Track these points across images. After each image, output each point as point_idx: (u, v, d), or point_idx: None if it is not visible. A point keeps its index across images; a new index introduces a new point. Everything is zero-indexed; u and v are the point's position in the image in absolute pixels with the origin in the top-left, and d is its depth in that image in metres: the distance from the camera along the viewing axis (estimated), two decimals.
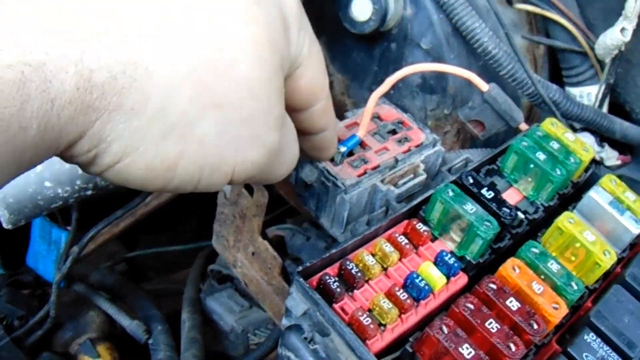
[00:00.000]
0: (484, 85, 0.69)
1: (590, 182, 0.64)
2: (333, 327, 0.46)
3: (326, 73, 0.54)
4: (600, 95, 0.81)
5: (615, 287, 0.54)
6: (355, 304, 0.49)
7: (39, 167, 0.71)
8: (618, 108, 0.84)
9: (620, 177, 0.62)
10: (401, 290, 0.49)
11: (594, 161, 0.66)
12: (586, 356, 0.48)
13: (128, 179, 0.41)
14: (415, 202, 0.57)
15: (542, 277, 0.51)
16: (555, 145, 0.61)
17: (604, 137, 0.83)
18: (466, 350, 0.44)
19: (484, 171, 0.62)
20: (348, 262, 0.50)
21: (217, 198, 0.77)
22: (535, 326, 0.47)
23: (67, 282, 0.96)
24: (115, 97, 0.36)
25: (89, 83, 0.34)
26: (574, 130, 0.81)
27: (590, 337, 0.50)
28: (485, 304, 0.48)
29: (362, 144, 0.65)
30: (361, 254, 0.51)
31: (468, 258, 0.54)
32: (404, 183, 0.64)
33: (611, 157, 0.84)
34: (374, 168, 0.63)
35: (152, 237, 1.30)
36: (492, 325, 0.46)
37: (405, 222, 0.56)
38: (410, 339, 0.48)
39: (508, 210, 0.55)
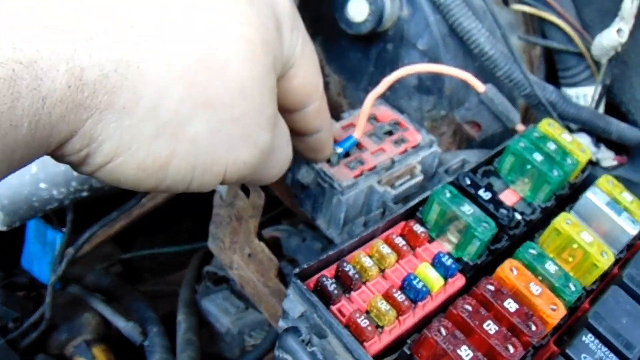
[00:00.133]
0: (480, 86, 0.69)
1: (587, 183, 0.64)
2: (330, 329, 0.46)
3: (320, 73, 0.54)
4: (596, 96, 0.81)
5: (613, 288, 0.54)
6: (353, 306, 0.48)
7: (34, 168, 0.71)
8: (614, 109, 0.84)
9: (616, 177, 0.62)
10: (399, 292, 0.49)
11: (590, 162, 0.66)
12: (584, 357, 0.48)
13: (120, 179, 0.41)
14: (412, 203, 0.57)
15: (540, 278, 0.51)
16: (552, 146, 0.61)
17: (600, 137, 0.83)
18: (464, 352, 0.44)
19: (481, 172, 0.62)
20: (345, 264, 0.50)
21: (212, 199, 0.77)
22: (533, 327, 0.47)
23: (62, 283, 0.96)
24: (106, 95, 0.36)
25: (80, 81, 0.34)
26: (570, 131, 0.81)
27: (588, 338, 0.50)
28: (483, 306, 0.48)
29: (358, 145, 0.65)
30: (358, 255, 0.51)
31: (465, 259, 0.54)
32: (401, 184, 0.64)
33: (607, 157, 0.84)
34: (371, 169, 0.63)
35: (148, 239, 1.29)
36: (490, 326, 0.46)
37: (403, 223, 0.56)
38: (408, 341, 0.47)
39: (505, 212, 0.55)
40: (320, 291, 0.48)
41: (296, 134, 0.56)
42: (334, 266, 0.51)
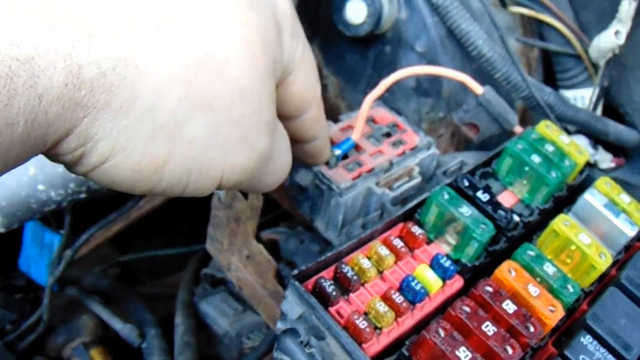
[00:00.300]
0: (478, 88, 0.69)
1: (585, 184, 0.64)
2: (329, 331, 0.46)
3: (318, 80, 0.54)
4: (594, 98, 0.81)
5: (611, 289, 0.54)
6: (351, 308, 0.48)
7: (32, 170, 0.71)
8: (612, 111, 0.85)
9: (614, 179, 0.62)
10: (397, 294, 0.49)
11: (588, 164, 0.66)
12: (583, 358, 0.48)
13: (114, 180, 0.40)
14: (410, 205, 0.57)
15: (538, 279, 0.51)
16: (550, 148, 0.61)
17: (598, 139, 0.83)
18: (463, 353, 0.44)
19: (479, 174, 0.62)
20: (343, 266, 0.50)
21: (210, 201, 0.77)
22: (532, 329, 0.47)
23: (60, 285, 0.96)
24: (104, 94, 0.35)
25: (77, 79, 0.34)
26: (568, 133, 0.81)
27: (586, 339, 0.50)
28: (482, 307, 0.48)
29: (356, 147, 0.65)
30: (357, 257, 0.51)
31: (464, 261, 0.54)
32: (399, 186, 0.64)
33: (605, 159, 0.84)
34: (369, 171, 0.63)
35: (146, 241, 1.29)
36: (489, 328, 0.46)
37: (401, 225, 0.56)
38: (407, 343, 0.47)
39: (503, 213, 0.55)
40: (318, 293, 0.48)
41: (293, 141, 0.55)
42: (332, 268, 0.51)
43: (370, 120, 0.70)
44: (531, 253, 0.53)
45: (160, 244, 1.26)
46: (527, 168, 0.59)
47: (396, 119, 0.70)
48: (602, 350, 0.49)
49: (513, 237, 0.57)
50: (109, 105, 0.36)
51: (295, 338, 0.48)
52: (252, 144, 0.44)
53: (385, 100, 0.76)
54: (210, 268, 0.99)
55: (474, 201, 0.55)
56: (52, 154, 0.38)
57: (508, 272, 0.51)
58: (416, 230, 0.54)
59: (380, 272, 0.52)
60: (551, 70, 0.86)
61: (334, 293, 0.48)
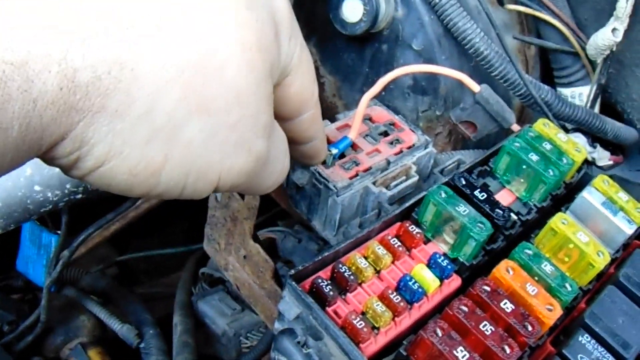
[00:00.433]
0: (475, 86, 0.69)
1: (582, 182, 0.64)
2: (326, 331, 0.46)
3: (316, 81, 0.54)
4: (591, 96, 0.81)
5: (609, 287, 0.54)
6: (349, 307, 0.48)
7: (28, 171, 0.70)
8: (609, 108, 0.85)
9: (612, 177, 0.62)
10: (394, 293, 0.49)
11: (586, 162, 0.66)
12: (581, 357, 0.48)
13: (111, 184, 0.40)
14: (407, 204, 0.56)
15: (536, 278, 0.51)
16: (548, 146, 0.61)
17: (595, 137, 0.83)
18: (460, 352, 0.44)
19: (477, 172, 0.61)
20: (341, 265, 0.50)
21: (208, 201, 0.77)
22: (530, 328, 0.47)
23: (57, 286, 0.96)
24: (99, 98, 0.35)
25: (72, 83, 0.33)
26: (566, 130, 0.81)
27: (584, 338, 0.50)
28: (479, 306, 0.48)
29: (353, 146, 0.65)
30: (354, 256, 0.51)
31: (461, 260, 0.54)
32: (396, 185, 0.64)
33: (603, 157, 0.84)
34: (366, 170, 0.62)
35: (143, 241, 1.29)
36: (487, 327, 0.46)
37: (398, 224, 0.56)
38: (404, 342, 0.47)
39: (501, 212, 0.55)
40: (315, 293, 0.48)
41: (291, 142, 0.55)
42: (330, 267, 0.51)
43: (367, 119, 0.69)
44: (529, 252, 0.52)
45: (158, 243, 1.26)
46: (524, 166, 0.59)
47: (393, 117, 0.70)
48: (601, 349, 0.49)
49: (511, 235, 0.57)
50: (105, 108, 0.35)
51: (292, 338, 0.48)
52: (249, 147, 0.44)
53: (382, 98, 0.76)
54: (208, 268, 1.00)
55: (471, 200, 0.55)
56: (48, 158, 0.37)
57: (506, 271, 0.51)
58: (413, 229, 0.54)
59: (377, 272, 0.51)
60: (549, 68, 0.86)
61: (331, 293, 0.48)
